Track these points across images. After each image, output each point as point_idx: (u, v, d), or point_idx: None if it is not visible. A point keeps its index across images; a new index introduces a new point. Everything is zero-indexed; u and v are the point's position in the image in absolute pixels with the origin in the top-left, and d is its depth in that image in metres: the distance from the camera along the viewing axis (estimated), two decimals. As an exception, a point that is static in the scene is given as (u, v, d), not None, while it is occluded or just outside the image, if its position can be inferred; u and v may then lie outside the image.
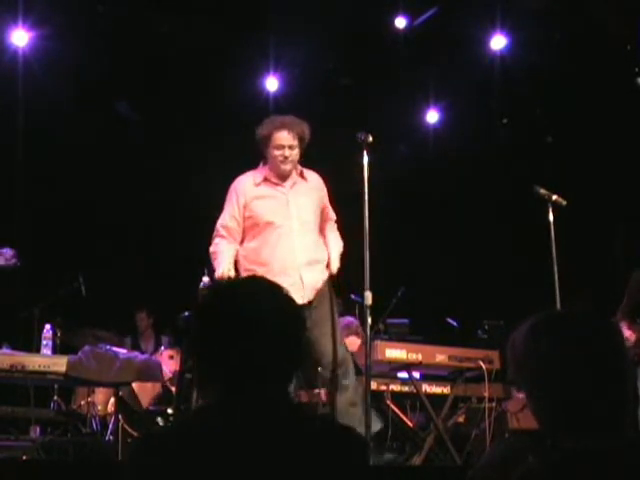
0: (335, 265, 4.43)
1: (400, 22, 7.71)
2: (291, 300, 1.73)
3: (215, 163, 7.77)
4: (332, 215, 4.64)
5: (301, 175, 4.51)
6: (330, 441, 1.63)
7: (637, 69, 7.82)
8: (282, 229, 4.35)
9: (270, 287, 1.74)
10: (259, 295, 1.69)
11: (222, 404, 1.64)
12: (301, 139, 4.42)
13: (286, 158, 4.38)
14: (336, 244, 4.54)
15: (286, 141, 4.38)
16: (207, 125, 7.63)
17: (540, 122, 8.14)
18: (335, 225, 4.65)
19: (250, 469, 1.55)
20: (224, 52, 7.37)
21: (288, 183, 4.47)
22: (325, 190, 4.59)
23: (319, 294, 4.36)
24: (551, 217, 4.87)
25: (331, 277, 4.43)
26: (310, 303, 4.29)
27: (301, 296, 4.12)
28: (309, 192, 4.49)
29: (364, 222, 4.24)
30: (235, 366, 1.62)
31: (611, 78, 7.52)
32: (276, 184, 4.47)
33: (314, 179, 4.57)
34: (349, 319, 6.05)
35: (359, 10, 7.21)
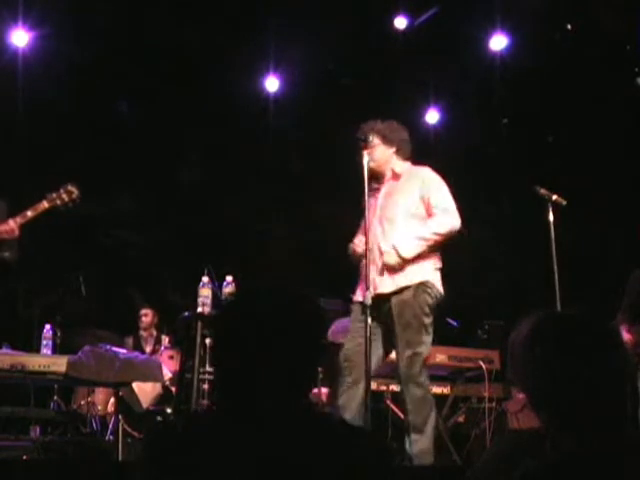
0: (400, 249, 4.16)
1: (400, 22, 7.71)
2: (309, 316, 1.71)
3: (215, 162, 7.79)
4: (435, 203, 4.28)
5: (394, 174, 4.41)
6: (346, 445, 1.62)
7: (637, 69, 7.82)
8: (371, 233, 4.24)
9: (285, 302, 1.71)
10: (271, 309, 1.68)
11: (233, 408, 1.65)
12: (382, 136, 4.36)
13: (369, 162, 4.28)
14: (419, 230, 4.22)
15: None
16: (207, 125, 7.63)
17: (540, 122, 8.14)
18: (440, 213, 4.26)
19: (261, 472, 1.56)
20: (224, 52, 7.37)
21: (383, 186, 4.41)
22: (420, 181, 4.34)
23: (397, 303, 4.16)
24: (551, 217, 4.86)
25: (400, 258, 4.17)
26: (379, 304, 4.13)
27: (369, 296, 4.03)
28: (398, 190, 4.36)
29: (365, 222, 4.23)
30: (244, 373, 1.64)
31: (611, 78, 7.52)
32: (374, 191, 4.40)
33: (409, 174, 4.39)
34: (347, 321, 6.04)
35: (359, 10, 7.21)
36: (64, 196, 4.94)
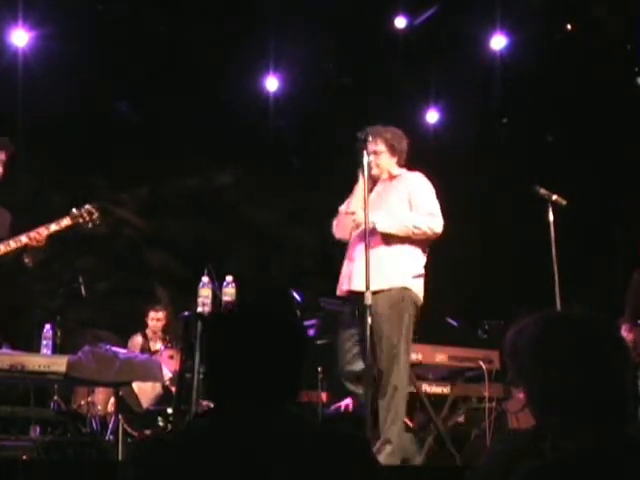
0: (374, 219, 4.31)
1: (400, 22, 7.71)
2: (294, 328, 1.79)
3: (214, 162, 7.78)
4: (422, 206, 4.43)
5: (390, 175, 4.57)
6: (332, 450, 1.65)
7: (637, 69, 7.82)
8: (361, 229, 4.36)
9: (275, 315, 1.78)
10: (264, 324, 1.75)
11: (223, 415, 1.68)
12: (389, 145, 4.51)
13: (370, 163, 4.44)
14: (404, 215, 4.39)
15: (370, 147, 4.45)
16: (207, 125, 7.63)
17: (540, 122, 8.14)
18: (425, 214, 4.41)
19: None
20: (224, 52, 7.37)
21: (378, 188, 4.57)
22: (410, 184, 4.49)
23: (378, 302, 4.25)
24: (551, 217, 4.87)
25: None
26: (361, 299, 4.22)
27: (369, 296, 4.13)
28: (389, 191, 4.53)
29: (364, 222, 4.23)
30: (238, 380, 1.69)
31: (611, 78, 7.52)
32: (370, 190, 4.49)
33: (402, 178, 4.55)
34: None
35: (359, 10, 7.21)
36: (85, 216, 5.02)
